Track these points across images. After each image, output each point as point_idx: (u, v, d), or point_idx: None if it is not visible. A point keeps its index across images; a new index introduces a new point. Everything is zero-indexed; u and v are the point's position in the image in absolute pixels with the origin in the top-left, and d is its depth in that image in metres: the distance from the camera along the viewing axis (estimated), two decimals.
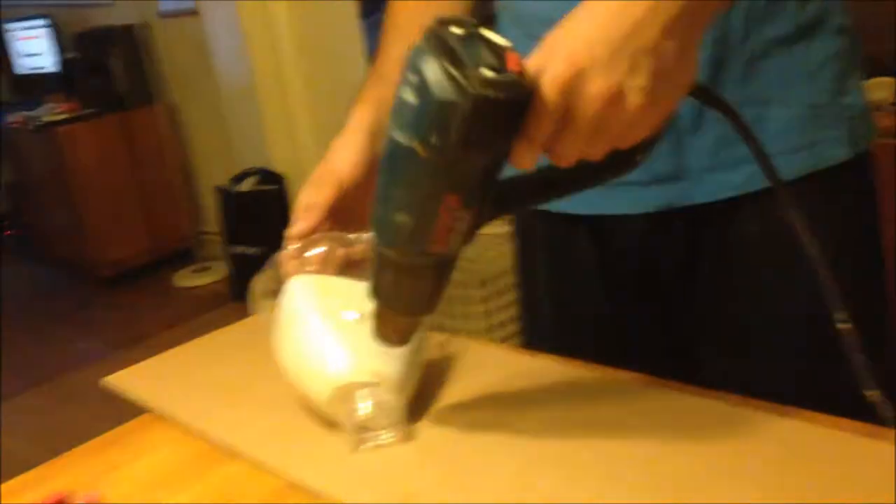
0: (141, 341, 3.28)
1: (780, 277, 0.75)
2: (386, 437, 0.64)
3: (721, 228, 0.77)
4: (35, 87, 4.50)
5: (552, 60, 0.50)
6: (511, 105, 0.49)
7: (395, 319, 0.61)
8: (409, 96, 0.49)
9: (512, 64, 0.49)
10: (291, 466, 0.65)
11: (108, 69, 3.84)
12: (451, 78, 0.47)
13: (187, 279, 3.89)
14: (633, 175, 0.69)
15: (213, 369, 0.85)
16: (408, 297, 0.58)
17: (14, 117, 3.99)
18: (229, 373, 0.83)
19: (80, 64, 3.89)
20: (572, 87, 0.49)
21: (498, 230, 2.93)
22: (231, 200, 3.43)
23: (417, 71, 0.49)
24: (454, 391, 0.72)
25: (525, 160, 0.52)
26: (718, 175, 0.74)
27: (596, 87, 0.49)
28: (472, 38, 0.50)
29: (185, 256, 4.06)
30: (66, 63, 4.05)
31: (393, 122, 0.51)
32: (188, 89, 3.88)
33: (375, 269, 0.58)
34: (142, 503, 0.65)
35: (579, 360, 0.74)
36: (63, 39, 4.22)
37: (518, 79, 0.49)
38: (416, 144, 0.50)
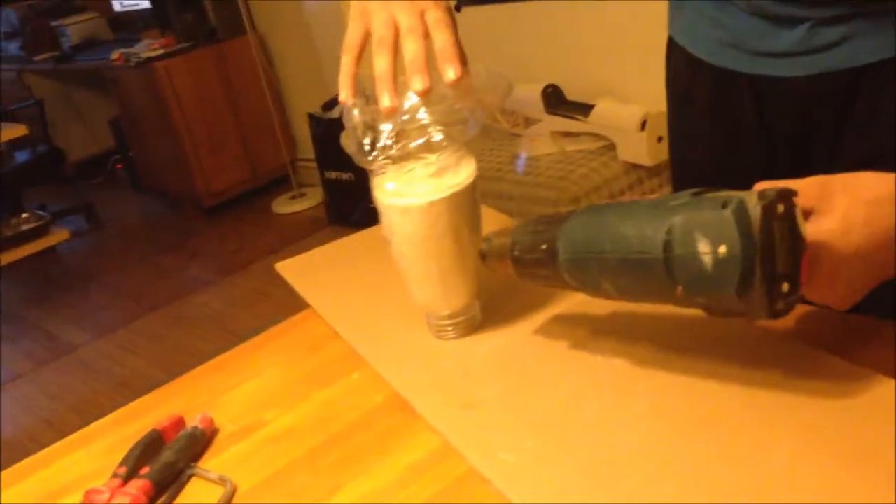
0: (246, 267, 3.43)
1: None
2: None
3: (880, 84, 0.76)
4: (132, 23, 4.63)
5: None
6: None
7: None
8: (707, 261, 0.51)
9: (804, 274, 0.52)
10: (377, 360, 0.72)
11: (199, 2, 3.91)
12: (762, 300, 0.50)
13: (286, 206, 4.00)
14: (800, 46, 0.76)
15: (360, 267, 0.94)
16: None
17: (114, 54, 4.12)
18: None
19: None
20: None
21: (589, 146, 2.87)
22: (322, 126, 3.48)
23: (750, 235, 0.50)
24: (551, 301, 0.75)
25: None
26: (884, 34, 0.73)
27: None
28: (789, 236, 0.51)
29: (282, 183, 4.17)
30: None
31: (673, 262, 0.53)
32: (278, 19, 3.91)
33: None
34: (250, 423, 0.70)
35: None
36: None
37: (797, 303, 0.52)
38: (678, 290, 0.53)
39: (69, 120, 5.21)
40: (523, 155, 2.51)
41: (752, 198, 0.50)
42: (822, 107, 0.81)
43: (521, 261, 0.65)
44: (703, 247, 0.50)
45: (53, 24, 4.77)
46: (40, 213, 3.92)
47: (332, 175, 3.50)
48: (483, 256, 0.69)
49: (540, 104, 2.52)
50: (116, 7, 4.69)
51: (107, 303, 3.53)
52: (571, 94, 2.54)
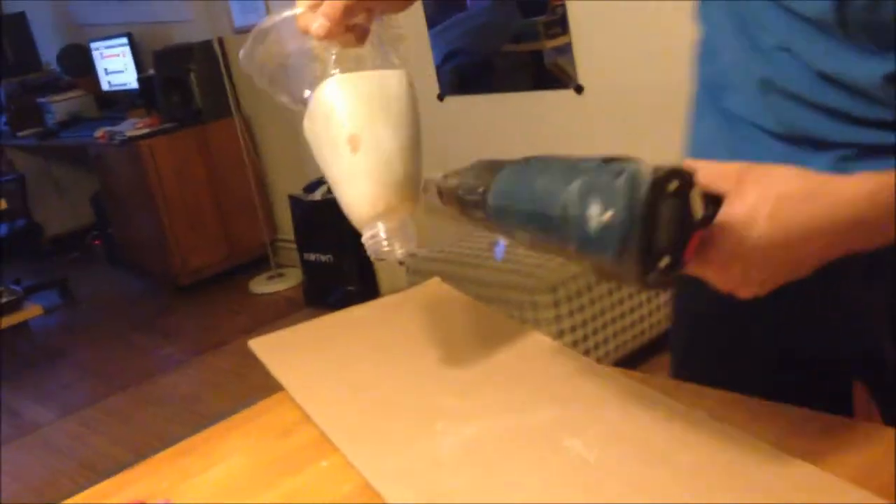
0: (219, 347, 3.39)
1: None
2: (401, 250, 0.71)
3: None
4: (119, 102, 4.69)
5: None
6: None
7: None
8: (593, 225, 0.52)
9: (689, 253, 0.53)
10: (348, 446, 0.69)
11: (186, 85, 3.97)
12: (635, 269, 0.51)
13: (263, 285, 3.98)
14: None
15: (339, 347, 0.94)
16: None
17: (98, 132, 4.16)
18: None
19: (160, 80, 4.03)
20: None
21: None
22: (303, 209, 3.51)
23: (634, 205, 0.50)
24: (511, 387, 0.74)
25: None
26: None
27: None
28: (678, 214, 0.52)
29: (260, 263, 4.16)
30: (145, 80, 4.21)
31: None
32: (262, 102, 3.98)
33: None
34: None
35: None
36: (144, 56, 4.39)
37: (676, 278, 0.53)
38: (571, 248, 0.54)
39: (50, 194, 5.22)
40: (502, 242, 2.53)
41: (648, 171, 0.51)
42: None
43: (464, 201, 0.67)
44: (594, 210, 0.52)
45: (40, 100, 4.82)
46: (14, 287, 3.88)
47: (312, 257, 3.51)
48: (440, 193, 0.70)
49: None
50: (105, 86, 4.76)
51: (75, 381, 3.45)
52: None
